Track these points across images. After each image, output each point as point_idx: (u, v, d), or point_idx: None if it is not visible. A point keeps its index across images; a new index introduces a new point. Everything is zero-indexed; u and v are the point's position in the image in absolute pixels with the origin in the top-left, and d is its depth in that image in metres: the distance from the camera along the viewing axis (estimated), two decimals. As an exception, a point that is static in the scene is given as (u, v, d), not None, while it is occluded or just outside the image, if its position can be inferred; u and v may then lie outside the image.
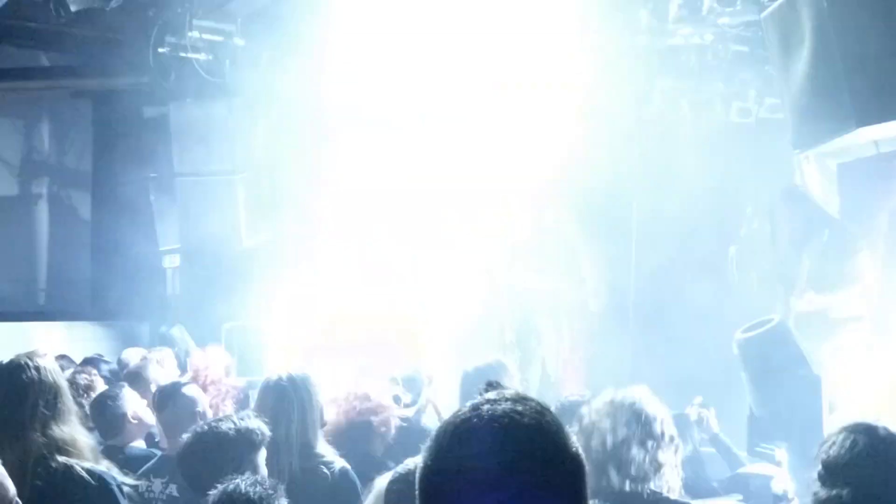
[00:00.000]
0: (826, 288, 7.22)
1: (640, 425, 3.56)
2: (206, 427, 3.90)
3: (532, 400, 1.70)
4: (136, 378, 6.33)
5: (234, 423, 3.77)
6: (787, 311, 7.36)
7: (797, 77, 5.26)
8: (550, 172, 10.96)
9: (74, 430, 3.84)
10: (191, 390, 5.04)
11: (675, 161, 10.17)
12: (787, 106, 5.46)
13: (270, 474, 3.92)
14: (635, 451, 3.52)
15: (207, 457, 3.68)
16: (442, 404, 6.76)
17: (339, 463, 4.28)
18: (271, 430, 4.02)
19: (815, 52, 5.02)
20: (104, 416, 5.28)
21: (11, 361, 3.83)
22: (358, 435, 5.11)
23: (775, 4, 5.43)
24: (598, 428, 3.55)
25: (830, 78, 4.95)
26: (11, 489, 3.14)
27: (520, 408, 1.66)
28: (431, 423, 6.53)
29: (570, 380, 9.91)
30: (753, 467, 5.64)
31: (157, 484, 4.19)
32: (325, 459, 4.30)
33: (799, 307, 7.25)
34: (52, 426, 3.73)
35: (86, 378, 5.96)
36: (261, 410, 4.41)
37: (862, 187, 8.59)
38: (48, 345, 7.54)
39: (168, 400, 5.00)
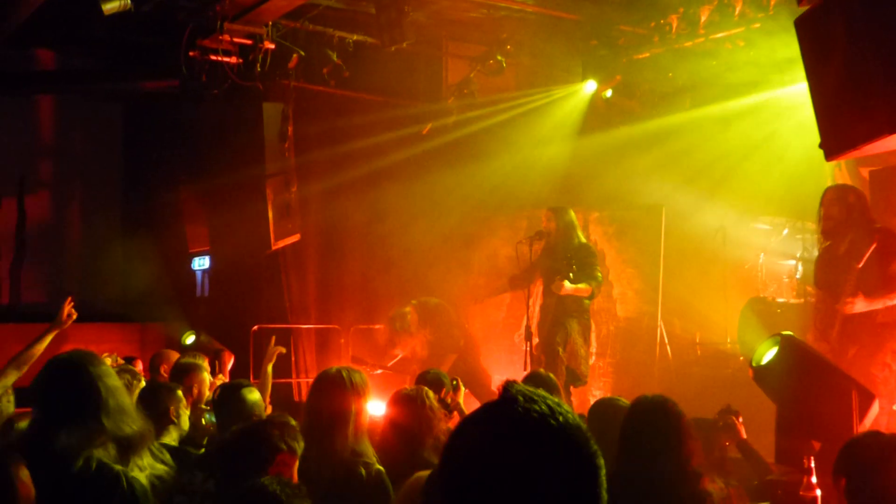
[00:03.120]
0: (871, 292, 6.91)
1: None
2: (249, 424, 3.97)
3: (551, 398, 1.71)
4: (177, 376, 6.37)
5: (277, 427, 3.82)
6: (834, 316, 7.06)
7: (829, 83, 5.22)
8: (579, 178, 11.00)
9: None
10: (252, 393, 5.10)
11: (705, 168, 10.16)
12: (819, 112, 5.42)
13: (312, 462, 3.98)
14: None
15: (244, 451, 3.73)
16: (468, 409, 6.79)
17: (377, 466, 4.32)
18: (323, 420, 4.16)
19: (847, 58, 4.99)
20: (146, 413, 5.30)
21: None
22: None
23: (808, 9, 5.40)
24: None
25: (863, 83, 4.91)
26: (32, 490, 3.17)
27: (539, 407, 1.68)
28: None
29: (597, 383, 9.90)
30: (781, 474, 5.60)
31: (199, 477, 4.22)
32: (364, 459, 4.34)
33: (846, 311, 6.93)
34: None
35: (129, 377, 6.00)
36: (315, 400, 4.47)
37: (894, 194, 8.52)
38: (81, 345, 7.61)
39: (228, 398, 5.07)
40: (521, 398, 1.69)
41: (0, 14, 8.77)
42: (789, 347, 5.65)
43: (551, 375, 6.45)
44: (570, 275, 8.64)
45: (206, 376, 6.55)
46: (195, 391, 6.14)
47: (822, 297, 7.25)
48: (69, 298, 6.08)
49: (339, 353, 11.11)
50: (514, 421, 1.66)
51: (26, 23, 8.91)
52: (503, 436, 1.65)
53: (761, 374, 5.67)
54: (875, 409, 5.43)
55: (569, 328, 8.78)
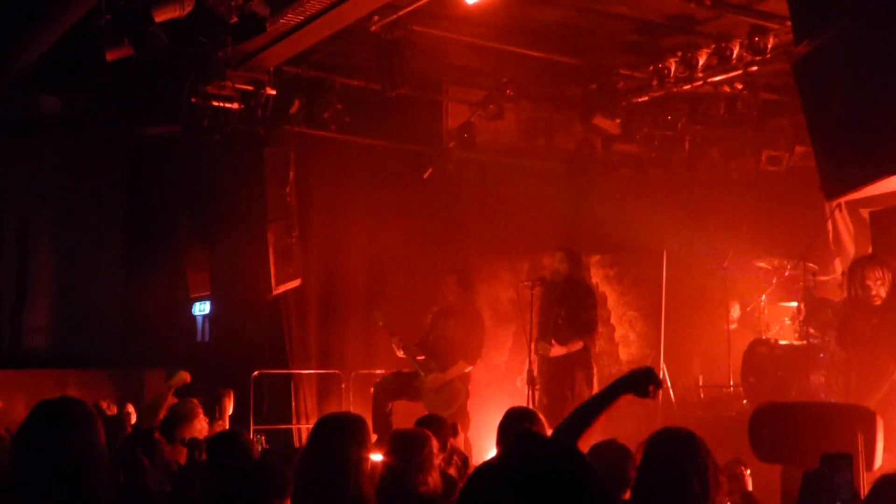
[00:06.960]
0: None
1: None
2: (242, 471, 3.94)
3: (564, 444, 1.73)
4: (170, 424, 6.32)
5: (265, 473, 3.79)
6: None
7: (829, 124, 5.23)
8: (580, 221, 11.02)
9: None
10: (246, 439, 4.98)
11: (706, 209, 10.18)
12: (819, 153, 5.43)
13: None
14: None
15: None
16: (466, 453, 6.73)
17: None
18: (320, 469, 4.08)
19: (846, 99, 5.00)
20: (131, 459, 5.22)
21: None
22: None
23: (806, 52, 5.42)
24: None
25: (862, 124, 4.92)
26: None
27: (555, 451, 1.70)
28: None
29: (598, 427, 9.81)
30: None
31: None
32: None
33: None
34: None
35: (116, 422, 5.97)
36: (314, 447, 4.35)
37: (895, 234, 8.52)
38: (83, 392, 7.59)
39: (222, 447, 4.92)
40: (537, 445, 1.73)
41: (5, 59, 8.84)
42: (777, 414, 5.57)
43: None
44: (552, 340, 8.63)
45: (203, 425, 6.47)
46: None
47: (847, 358, 7.25)
48: None
49: (340, 399, 11.05)
50: (534, 467, 1.68)
51: (31, 68, 8.97)
52: (526, 481, 1.67)
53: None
54: (881, 425, 5.36)
55: (575, 378, 8.71)
